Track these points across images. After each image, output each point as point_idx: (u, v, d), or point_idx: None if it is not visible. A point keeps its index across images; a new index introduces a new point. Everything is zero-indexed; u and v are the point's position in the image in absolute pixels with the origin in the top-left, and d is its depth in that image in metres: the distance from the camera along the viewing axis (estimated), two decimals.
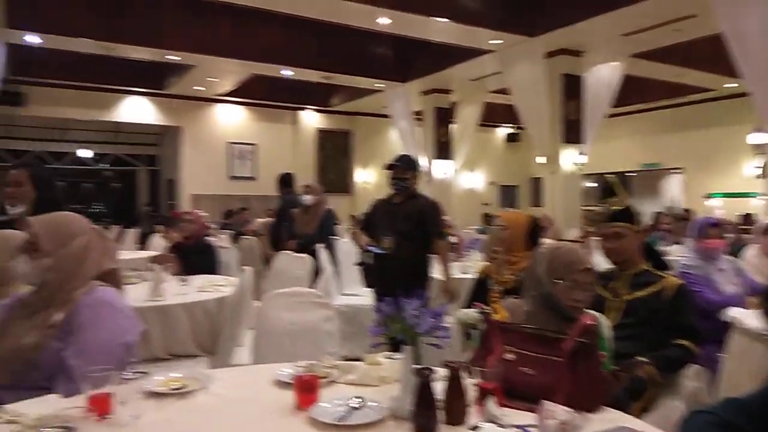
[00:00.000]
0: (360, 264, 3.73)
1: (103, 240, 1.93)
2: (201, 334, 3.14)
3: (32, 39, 8.65)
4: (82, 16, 8.48)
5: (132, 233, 8.45)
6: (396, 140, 13.13)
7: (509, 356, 1.54)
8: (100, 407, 1.31)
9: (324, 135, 14.53)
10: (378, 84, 11.58)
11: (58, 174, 14.80)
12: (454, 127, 12.50)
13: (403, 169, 3.60)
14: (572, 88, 9.24)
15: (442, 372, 1.37)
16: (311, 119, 14.36)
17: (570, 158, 9.28)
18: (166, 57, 9.78)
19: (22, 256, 1.77)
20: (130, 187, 15.10)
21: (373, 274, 3.65)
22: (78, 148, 13.94)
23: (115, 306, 1.79)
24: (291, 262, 3.90)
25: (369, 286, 3.84)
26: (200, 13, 8.90)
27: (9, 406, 1.40)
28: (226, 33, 9.33)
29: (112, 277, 1.91)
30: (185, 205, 12.53)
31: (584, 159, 9.41)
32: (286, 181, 6.15)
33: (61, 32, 8.47)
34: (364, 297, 4.92)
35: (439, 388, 1.32)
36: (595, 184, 13.09)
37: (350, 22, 8.50)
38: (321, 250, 4.77)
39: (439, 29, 8.59)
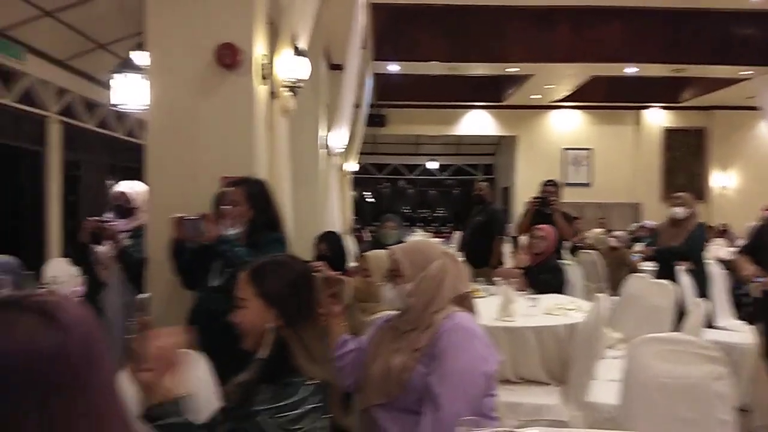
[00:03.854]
0: (742, 295, 3.06)
1: (456, 264, 1.95)
2: (550, 361, 2.99)
3: (393, 68, 9.88)
4: (433, 42, 9.30)
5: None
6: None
7: None
8: None
9: (672, 134, 12.99)
10: (744, 72, 9.76)
11: (411, 183, 16.73)
12: None
13: None
14: None
15: None
16: (656, 118, 13.00)
17: None
18: (506, 70, 10.04)
19: (388, 283, 1.88)
20: (469, 194, 16.08)
21: (760, 310, 2.95)
22: (427, 160, 15.49)
23: (474, 333, 1.77)
24: (649, 287, 3.43)
25: (749, 321, 3.13)
26: (539, 22, 8.86)
27: None
28: (565, 37, 9.07)
29: (466, 301, 1.92)
30: (519, 214, 12.71)
31: None
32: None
33: (415, 58, 9.45)
34: (738, 332, 4.10)
35: None
36: None
37: (712, 5, 7.34)
38: (682, 273, 4.12)
39: None
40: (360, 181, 14.42)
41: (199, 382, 1.65)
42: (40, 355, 0.61)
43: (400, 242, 4.14)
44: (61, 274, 4.15)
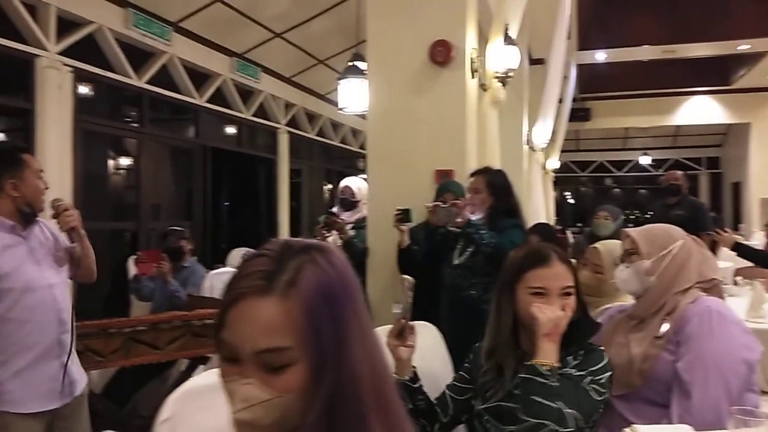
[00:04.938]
0: None
1: (702, 248, 1.77)
2: None
3: (599, 56, 9.32)
4: (645, 24, 8.58)
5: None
6: None
7: None
8: None
9: None
10: None
11: (618, 181, 15.59)
12: None
13: None
14: None
15: None
16: None
17: None
18: (737, 48, 8.85)
19: (622, 264, 1.77)
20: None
21: None
22: (638, 155, 14.30)
23: (730, 317, 1.60)
24: None
25: None
26: None
27: (641, 428, 1.35)
28: None
29: (714, 290, 1.73)
30: (753, 211, 11.09)
31: None
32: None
33: (624, 44, 8.80)
34: None
35: None
36: None
37: None
38: None
39: None
40: (561, 180, 13.85)
41: (432, 351, 1.72)
42: (345, 275, 0.74)
43: (616, 235, 3.88)
44: None
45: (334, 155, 9.08)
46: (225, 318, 0.70)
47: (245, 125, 6.78)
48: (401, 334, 1.52)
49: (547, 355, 1.41)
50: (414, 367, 1.57)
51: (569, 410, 1.36)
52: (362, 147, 9.47)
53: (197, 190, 5.94)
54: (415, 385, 1.57)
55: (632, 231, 1.79)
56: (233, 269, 0.74)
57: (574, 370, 1.46)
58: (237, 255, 4.92)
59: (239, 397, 0.68)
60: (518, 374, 1.45)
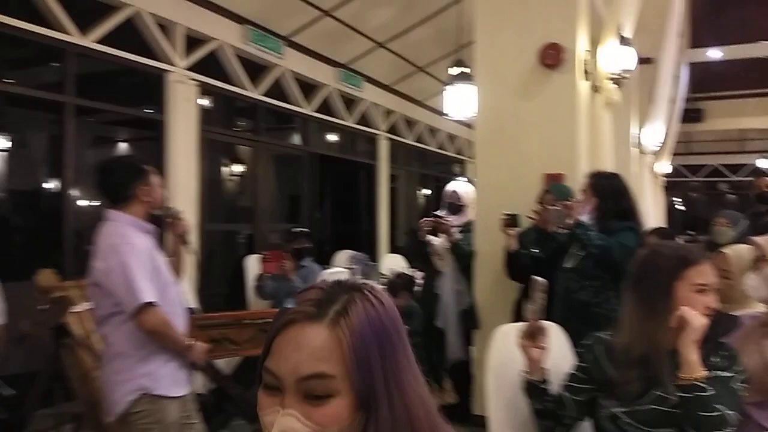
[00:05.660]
0: None
1: None
2: None
3: (713, 54, 8.78)
4: (762, 19, 8.00)
5: None
6: None
7: None
8: None
9: None
10: None
11: (733, 187, 14.50)
12: None
13: None
14: None
15: None
16: None
17: None
18: None
19: (752, 272, 1.72)
20: None
21: None
22: (756, 158, 13.25)
23: None
24: None
25: None
26: None
27: None
28: None
29: None
30: None
31: None
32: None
33: (742, 40, 8.25)
34: None
35: None
36: None
37: None
38: None
39: None
40: (671, 184, 13.10)
41: (559, 352, 1.74)
42: (393, 313, 0.73)
43: (738, 242, 3.65)
44: (396, 266, 4.91)
45: (430, 160, 9.15)
46: (272, 345, 0.69)
47: (348, 132, 7.01)
48: (533, 335, 1.56)
49: (697, 365, 1.39)
50: (545, 369, 1.59)
51: (729, 411, 1.37)
52: (459, 152, 9.47)
53: (304, 195, 6.21)
54: (545, 387, 1.59)
55: (759, 238, 1.75)
56: (343, 269, 0.78)
57: (723, 372, 1.45)
58: (343, 256, 5.12)
59: (277, 428, 0.65)
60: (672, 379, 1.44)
